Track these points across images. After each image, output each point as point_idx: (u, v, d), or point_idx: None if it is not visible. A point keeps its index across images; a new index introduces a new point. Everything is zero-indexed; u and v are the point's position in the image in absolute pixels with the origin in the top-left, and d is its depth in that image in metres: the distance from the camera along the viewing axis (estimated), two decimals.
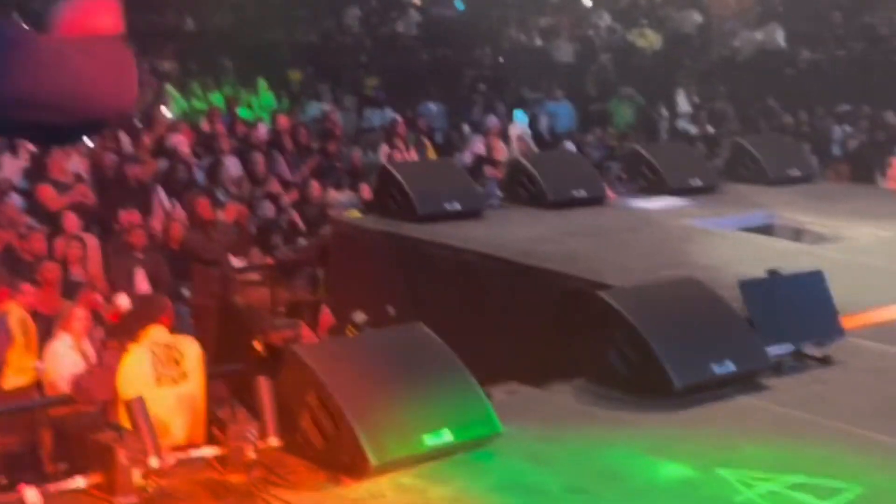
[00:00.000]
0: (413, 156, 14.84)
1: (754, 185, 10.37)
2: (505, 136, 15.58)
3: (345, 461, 4.17)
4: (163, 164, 13.19)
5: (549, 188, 9.35)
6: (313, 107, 18.76)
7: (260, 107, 18.70)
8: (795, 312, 5.74)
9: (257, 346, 6.95)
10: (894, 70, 19.94)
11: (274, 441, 4.35)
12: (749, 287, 5.63)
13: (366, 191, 11.86)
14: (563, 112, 19.02)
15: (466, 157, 14.99)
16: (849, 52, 20.94)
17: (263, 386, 4.40)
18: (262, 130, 15.74)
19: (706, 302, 5.57)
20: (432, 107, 18.76)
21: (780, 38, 21.52)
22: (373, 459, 4.12)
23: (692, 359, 5.18)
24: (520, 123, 16.10)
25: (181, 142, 14.28)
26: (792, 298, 5.77)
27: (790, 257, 7.44)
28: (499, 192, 10.03)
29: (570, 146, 15.04)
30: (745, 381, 5.27)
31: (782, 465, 4.38)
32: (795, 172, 10.68)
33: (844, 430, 4.77)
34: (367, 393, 4.34)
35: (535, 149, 15.27)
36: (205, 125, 15.83)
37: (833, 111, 18.17)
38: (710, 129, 17.92)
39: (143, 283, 9.56)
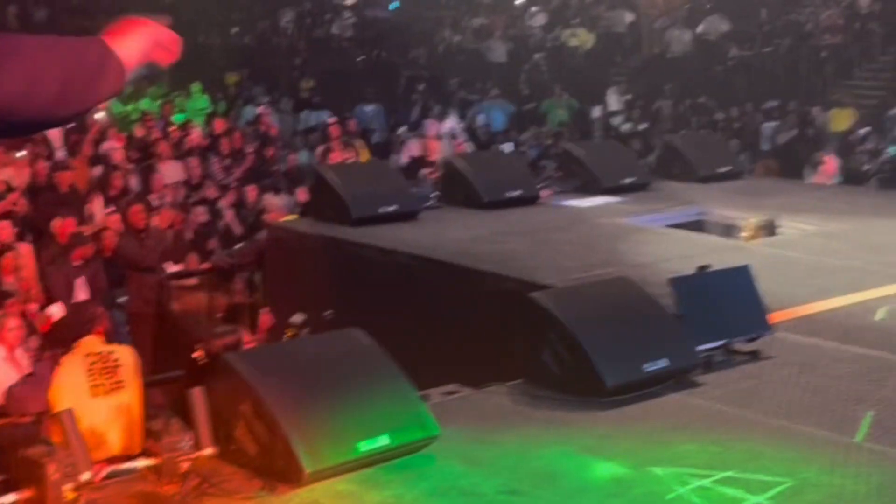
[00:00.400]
0: (349, 158, 14.82)
1: (685, 182, 10.53)
2: (440, 138, 15.64)
3: (280, 469, 4.18)
4: (97, 170, 13.08)
5: (483, 189, 9.42)
6: (248, 110, 18.68)
7: (194, 111, 18.57)
8: (725, 308, 5.84)
9: (198, 354, 6.92)
10: (821, 65, 20.31)
11: (208, 450, 4.35)
12: (679, 284, 5.72)
13: (301, 194, 11.84)
14: (497, 112, 19.12)
15: (403, 159, 15.01)
16: (776, 49, 21.27)
17: (197, 396, 4.39)
18: (197, 135, 15.63)
19: (637, 300, 5.66)
20: (368, 108, 18.76)
21: (722, 27, 21.83)
22: (307, 467, 4.13)
23: (624, 358, 5.25)
24: (450, 121, 16.15)
25: (114, 148, 14.14)
26: (721, 294, 5.88)
27: (720, 253, 7.57)
28: (434, 194, 10.07)
29: (505, 146, 15.12)
30: (677, 379, 5.35)
31: (714, 461, 4.47)
32: (725, 169, 10.86)
33: (774, 425, 4.87)
34: (302, 400, 4.35)
35: (467, 145, 15.32)
36: (138, 130, 15.70)
37: (762, 107, 18.45)
38: (643, 127, 18.11)
39: (82, 292, 9.46)
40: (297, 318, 7.08)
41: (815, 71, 20.30)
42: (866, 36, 20.57)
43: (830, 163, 12.07)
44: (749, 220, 8.64)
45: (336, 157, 14.29)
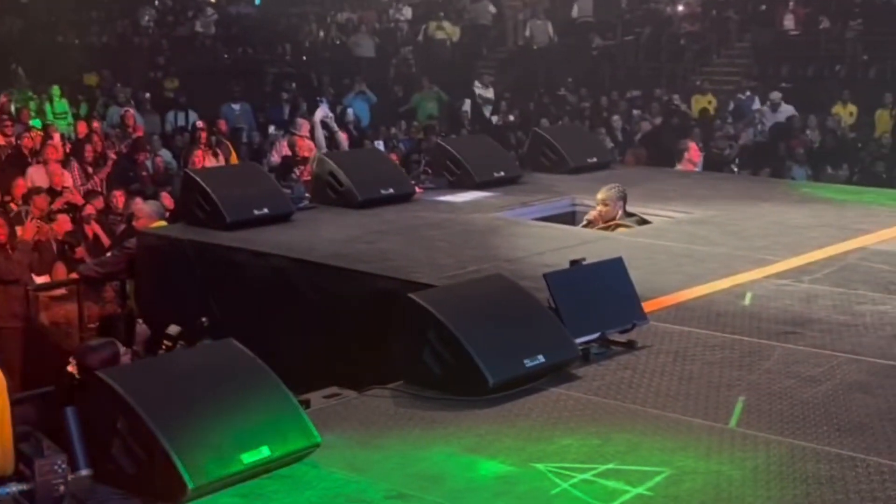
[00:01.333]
0: (218, 159, 14.61)
1: (555, 173, 10.68)
2: (311, 133, 15.52)
3: (160, 487, 4.09)
4: None
5: (357, 188, 9.38)
6: (113, 111, 18.24)
7: (54, 114, 18.05)
8: (600, 300, 5.94)
9: (72, 368, 6.72)
10: (681, 53, 20.85)
11: (84, 471, 4.23)
12: (553, 278, 5.79)
13: (167, 198, 11.62)
14: (361, 105, 19.07)
15: (274, 158, 14.86)
16: (637, 38, 21.73)
17: (70, 416, 4.27)
18: (57, 139, 15.20)
19: (514, 297, 5.70)
20: (235, 107, 18.51)
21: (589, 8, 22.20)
22: (190, 482, 4.05)
23: (504, 355, 5.29)
24: (322, 109, 16.03)
25: None
26: (595, 287, 5.97)
27: (592, 244, 7.71)
28: (307, 194, 9.99)
29: (377, 143, 15.09)
30: (556, 373, 5.42)
31: (594, 454, 4.54)
32: (594, 159, 11.05)
33: (651, 414, 4.97)
34: (180, 414, 4.26)
35: (339, 135, 15.22)
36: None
37: (626, 96, 18.83)
38: (511, 118, 18.31)
39: None
40: (173, 329, 6.94)
41: (675, 58, 20.82)
42: (723, 23, 21.19)
43: (694, 150, 12.38)
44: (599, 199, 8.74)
45: (200, 158, 14.07)
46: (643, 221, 8.79)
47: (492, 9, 23.29)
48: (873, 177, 12.76)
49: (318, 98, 17.35)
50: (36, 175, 13.40)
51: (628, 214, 8.77)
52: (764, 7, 21.02)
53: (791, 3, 20.27)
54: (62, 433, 4.33)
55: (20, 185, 12.84)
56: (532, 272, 6.66)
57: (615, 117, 17.82)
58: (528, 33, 22.48)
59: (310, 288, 7.50)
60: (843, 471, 4.32)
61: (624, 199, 8.75)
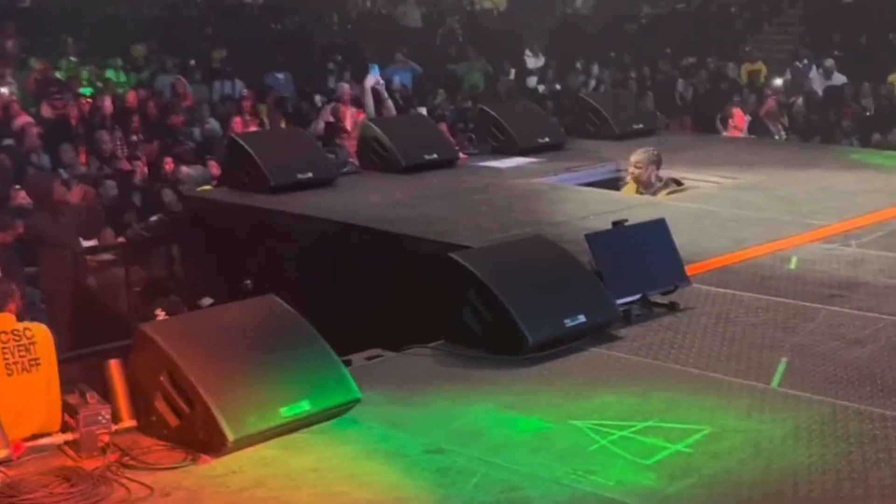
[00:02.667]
0: (253, 127, 14.66)
1: (601, 140, 10.61)
2: (357, 102, 15.50)
3: (202, 438, 4.14)
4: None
5: (401, 153, 9.39)
6: (161, 80, 18.36)
7: (104, 83, 18.19)
8: (642, 262, 5.91)
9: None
10: (731, 21, 20.59)
11: (128, 423, 4.29)
12: (594, 240, 5.77)
13: (214, 165, 11.69)
14: (413, 76, 19.04)
15: (319, 126, 14.89)
16: (688, 6, 21.47)
17: (114, 368, 4.33)
18: (108, 107, 15.34)
19: (554, 257, 5.69)
20: (280, 76, 18.56)
21: None
22: (230, 435, 4.09)
23: (544, 314, 5.28)
24: (374, 75, 15.98)
25: (27, 123, 13.84)
26: (637, 248, 5.94)
27: (636, 209, 7.66)
28: (352, 160, 10.01)
29: (421, 110, 15.06)
30: (597, 333, 5.40)
31: (634, 412, 4.52)
32: (639, 126, 10.96)
33: (692, 374, 4.95)
34: (221, 368, 4.31)
35: (389, 102, 15.19)
36: (45, 108, 15.35)
37: (676, 64, 18.63)
38: (558, 87, 18.19)
39: None
40: (206, 302, 7.01)
41: (725, 26, 20.57)
42: None
43: (739, 116, 12.24)
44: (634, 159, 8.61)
45: (239, 126, 14.11)
46: (678, 183, 8.65)
47: None
48: None
49: (368, 64, 17.24)
50: (86, 141, 13.55)
51: (660, 180, 8.61)
52: None
53: None
54: (106, 386, 4.39)
55: (70, 153, 12.98)
56: (574, 236, 6.63)
57: (663, 84, 17.67)
58: (575, 2, 22.34)
59: (353, 251, 7.53)
60: (886, 430, 4.28)
61: (657, 162, 8.59)
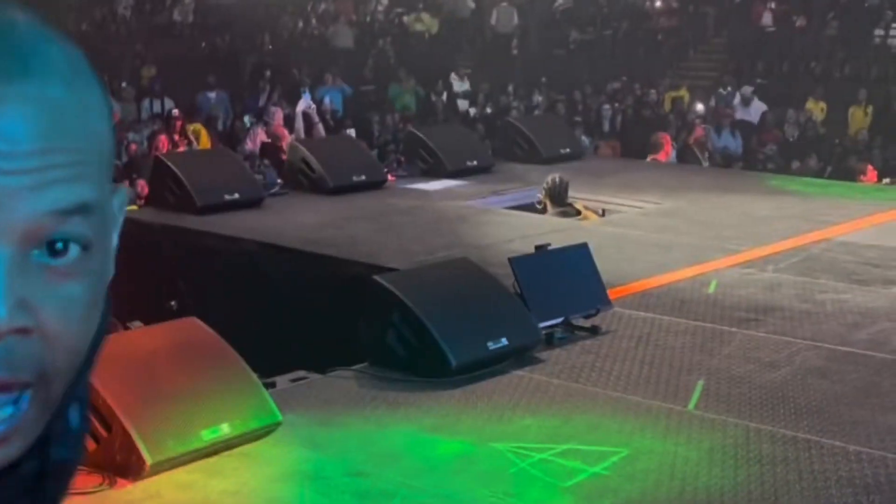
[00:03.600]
0: (192, 146, 14.57)
1: (529, 164, 10.72)
2: (288, 122, 15.48)
3: (119, 462, 4.11)
4: None
5: (329, 174, 9.39)
6: None
7: None
8: (564, 286, 5.98)
9: None
10: (658, 48, 20.92)
11: None
12: (518, 263, 5.83)
13: (142, 184, 11.58)
14: (343, 96, 19.07)
15: (248, 146, 14.84)
16: (615, 32, 21.77)
17: None
18: None
19: (478, 281, 5.75)
20: (211, 95, 18.46)
21: (515, 19, 22.26)
22: (149, 458, 4.07)
23: (467, 337, 5.33)
24: (306, 99, 15.92)
25: None
26: (560, 272, 6.02)
27: (561, 232, 7.74)
28: (279, 180, 10.00)
29: (350, 131, 15.08)
30: (519, 356, 5.46)
31: (554, 434, 4.58)
32: (567, 150, 11.10)
33: (612, 397, 5.02)
34: (140, 391, 4.29)
35: (320, 126, 15.18)
36: None
37: (603, 89, 18.86)
38: (488, 110, 18.33)
39: None
40: (136, 324, 6.95)
41: (652, 53, 20.89)
42: (700, 19, 21.27)
43: (666, 142, 12.44)
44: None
45: (164, 144, 14.00)
46: (576, 212, 8.65)
47: (471, 3, 23.31)
48: (845, 172, 12.87)
49: (301, 89, 17.21)
50: None
51: (566, 205, 8.68)
52: (739, 1, 21.13)
53: (770, 1, 20.39)
54: None
55: None
56: (499, 258, 6.69)
57: (591, 109, 17.88)
58: (493, 20, 22.52)
59: (279, 272, 7.52)
60: (798, 452, 4.39)
61: (551, 187, 8.64)
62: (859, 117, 17.05)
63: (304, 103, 14.92)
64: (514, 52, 21.71)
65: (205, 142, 15.08)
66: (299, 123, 14.53)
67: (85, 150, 0.73)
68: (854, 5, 19.67)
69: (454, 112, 18.87)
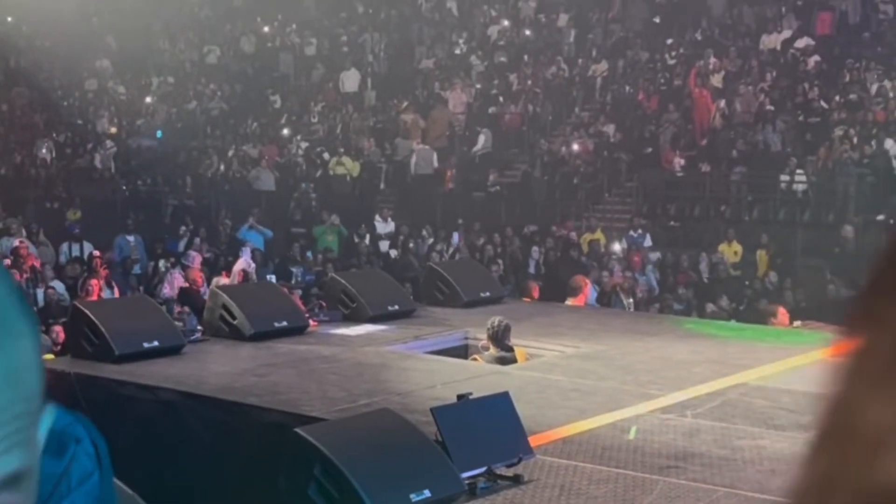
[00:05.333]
0: (113, 291, 14.46)
1: (449, 307, 10.82)
2: (216, 269, 15.42)
3: None
4: None
5: (249, 321, 9.37)
6: (4, 242, 17.97)
7: None
8: (486, 435, 6.01)
9: None
10: (573, 190, 21.46)
11: None
12: (440, 413, 5.86)
13: (59, 332, 11.45)
14: (265, 240, 19.13)
15: (166, 290, 14.76)
16: (526, 176, 22.26)
17: None
18: None
19: (401, 432, 5.75)
20: (129, 238, 18.40)
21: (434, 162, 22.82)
22: None
23: (390, 490, 5.31)
24: (245, 258, 15.80)
25: None
26: (482, 421, 6.05)
27: (482, 378, 7.80)
28: (199, 327, 9.94)
29: (270, 277, 15.08)
30: None
31: None
32: (487, 294, 11.24)
33: None
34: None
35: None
36: None
37: (521, 232, 19.19)
38: (411, 253, 18.51)
39: None
40: None
41: (569, 196, 21.40)
42: (614, 163, 21.91)
43: (586, 285, 12.66)
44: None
45: (96, 288, 13.92)
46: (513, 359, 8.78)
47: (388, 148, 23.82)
48: (756, 314, 13.19)
49: (241, 248, 16.93)
50: None
51: (507, 348, 8.79)
52: (651, 150, 21.84)
53: (676, 149, 21.12)
54: None
55: None
56: (422, 406, 6.71)
57: (509, 253, 18.17)
58: (413, 161, 22.95)
59: (198, 422, 7.42)
60: None
61: (494, 330, 8.80)
62: (765, 260, 17.57)
63: (244, 262, 14.86)
64: (435, 194, 22.08)
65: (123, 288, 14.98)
66: (236, 280, 14.56)
67: (22, 415, 0.72)
68: (759, 153, 20.45)
69: (377, 254, 19.02)
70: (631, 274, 16.31)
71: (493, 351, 8.73)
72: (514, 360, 8.69)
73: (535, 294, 15.04)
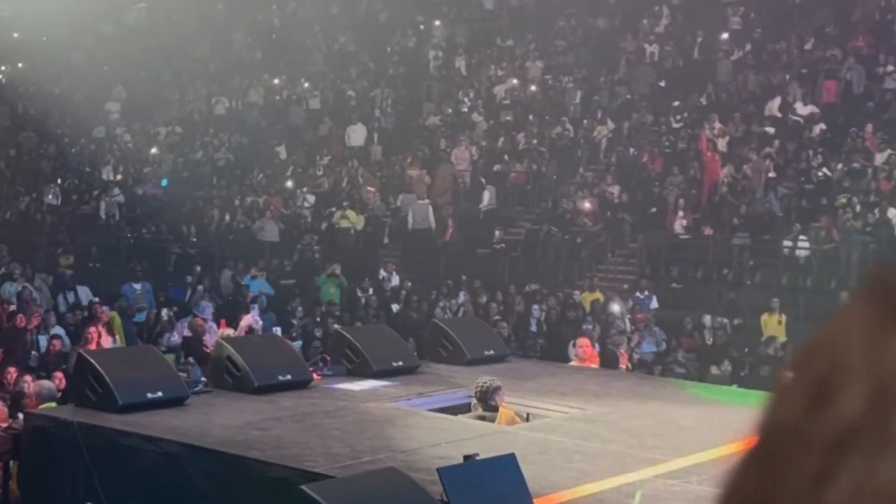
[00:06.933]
0: (114, 338, 14.46)
1: (453, 364, 10.82)
2: (218, 319, 15.42)
3: None
4: None
5: (254, 374, 9.37)
6: (8, 288, 17.99)
7: None
8: (492, 496, 6.00)
9: None
10: (577, 248, 21.51)
11: None
12: (447, 474, 5.85)
13: (61, 379, 11.44)
14: (265, 291, 19.15)
15: (175, 339, 14.76)
16: (537, 233, 22.34)
17: None
18: None
19: (407, 491, 5.74)
20: (136, 286, 18.42)
21: (431, 216, 22.90)
22: None
23: None
24: (253, 314, 15.74)
25: None
26: (488, 483, 6.05)
27: (486, 437, 7.78)
28: (204, 379, 9.94)
29: (276, 330, 15.07)
30: None
31: None
32: (490, 352, 11.24)
33: None
34: None
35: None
36: None
37: (523, 291, 19.19)
38: (413, 308, 18.52)
39: None
40: None
41: (572, 255, 21.44)
42: (617, 224, 21.98)
43: (587, 346, 12.66)
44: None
45: (95, 336, 13.90)
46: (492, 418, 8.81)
47: (394, 200, 23.91)
48: (759, 379, 13.18)
49: (250, 304, 16.90)
50: None
51: (490, 408, 8.82)
52: (655, 210, 21.92)
53: (680, 211, 21.21)
54: None
55: None
56: (426, 465, 6.70)
57: (513, 312, 18.17)
58: (410, 217, 23.03)
59: (201, 475, 7.40)
60: None
61: (481, 390, 8.85)
62: (772, 325, 17.55)
63: (252, 318, 14.83)
64: (438, 249, 22.13)
65: (118, 328, 14.99)
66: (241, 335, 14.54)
67: None
68: (762, 217, 20.52)
69: (381, 308, 19.02)
70: (638, 335, 16.31)
71: (476, 410, 8.81)
72: (492, 421, 8.75)
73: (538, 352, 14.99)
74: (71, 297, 18.09)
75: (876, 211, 19.28)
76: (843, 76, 23.63)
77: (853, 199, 19.68)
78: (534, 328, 17.86)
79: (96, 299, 16.98)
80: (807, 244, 19.52)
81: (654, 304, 18.37)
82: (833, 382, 0.58)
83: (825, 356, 0.59)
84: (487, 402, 8.82)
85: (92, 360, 8.82)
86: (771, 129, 22.75)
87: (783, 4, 26.65)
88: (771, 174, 21.23)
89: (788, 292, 18.50)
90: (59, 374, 12.06)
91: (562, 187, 23.68)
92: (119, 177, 26.78)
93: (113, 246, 22.04)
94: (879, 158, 20.81)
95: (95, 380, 8.57)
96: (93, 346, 12.96)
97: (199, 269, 19.85)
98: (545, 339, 16.85)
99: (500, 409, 8.84)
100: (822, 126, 22.26)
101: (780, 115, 23.22)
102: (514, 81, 27.54)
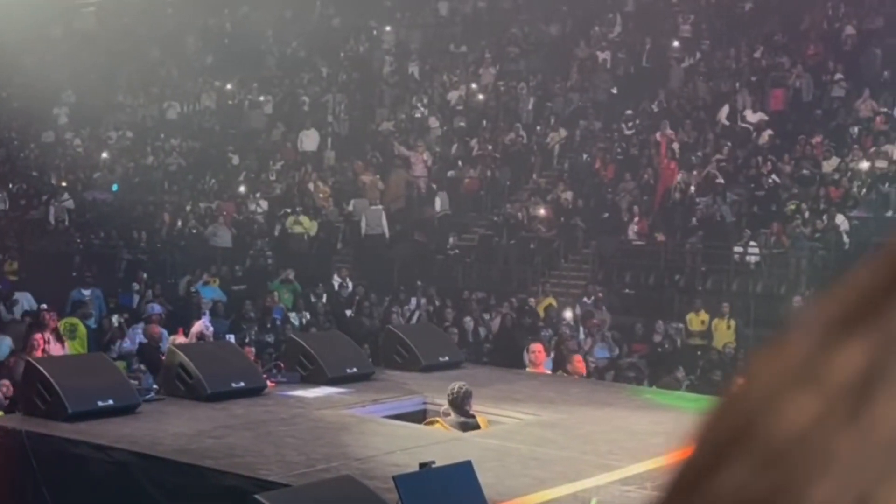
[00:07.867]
0: (63, 346, 14.25)
1: (408, 371, 10.78)
2: (171, 325, 15.23)
3: None
4: None
5: (206, 381, 9.27)
6: None
7: None
8: (448, 503, 5.97)
9: None
10: (530, 255, 21.57)
11: None
12: (402, 481, 5.81)
13: (8, 387, 11.25)
14: (217, 297, 18.99)
15: (126, 346, 14.58)
16: (487, 239, 22.35)
17: None
18: None
19: (363, 500, 5.69)
20: (85, 292, 18.20)
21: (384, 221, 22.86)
22: None
23: None
24: (205, 321, 15.56)
25: None
26: (444, 490, 6.02)
27: (442, 444, 7.75)
28: (155, 386, 9.83)
29: (229, 337, 14.93)
30: None
31: None
32: (445, 358, 11.22)
33: None
34: None
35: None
36: None
37: (476, 297, 19.19)
38: (365, 314, 18.45)
39: None
40: None
41: (525, 262, 21.50)
42: (571, 230, 22.07)
43: (540, 352, 12.67)
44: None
45: (41, 343, 13.70)
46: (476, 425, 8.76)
47: (348, 207, 23.82)
48: (710, 385, 13.28)
49: (201, 312, 16.70)
50: None
51: (468, 415, 8.77)
52: (607, 216, 22.03)
53: (636, 217, 21.32)
54: None
55: None
56: (381, 472, 6.66)
57: (466, 318, 18.15)
58: (363, 222, 22.98)
59: (153, 484, 7.30)
60: None
61: (454, 396, 8.78)
62: (723, 330, 17.70)
63: (203, 325, 14.67)
64: (390, 254, 22.09)
65: (82, 335, 14.79)
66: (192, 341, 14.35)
67: None
68: (713, 223, 20.70)
69: (334, 314, 18.93)
70: (590, 341, 16.37)
71: (454, 416, 8.71)
72: (476, 426, 8.67)
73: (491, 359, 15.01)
74: (25, 304, 17.83)
75: (825, 217, 19.51)
76: (791, 84, 23.91)
77: (802, 205, 19.91)
78: (482, 334, 17.87)
79: (44, 306, 16.72)
80: (756, 250, 19.70)
81: (604, 311, 18.44)
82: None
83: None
84: (462, 407, 8.73)
85: (41, 368, 8.68)
86: (720, 136, 22.96)
87: (733, 12, 26.93)
88: (719, 180, 21.42)
89: (739, 297, 18.67)
90: (5, 382, 11.87)
91: (515, 193, 23.74)
92: (65, 183, 26.46)
93: (62, 251, 21.75)
94: (827, 166, 21.06)
95: (44, 388, 8.43)
96: (38, 354, 12.78)
97: (145, 275, 19.61)
98: (495, 344, 16.85)
99: (478, 416, 8.80)
100: (770, 132, 22.50)
101: (727, 122, 23.43)
102: (473, 85, 27.58)
